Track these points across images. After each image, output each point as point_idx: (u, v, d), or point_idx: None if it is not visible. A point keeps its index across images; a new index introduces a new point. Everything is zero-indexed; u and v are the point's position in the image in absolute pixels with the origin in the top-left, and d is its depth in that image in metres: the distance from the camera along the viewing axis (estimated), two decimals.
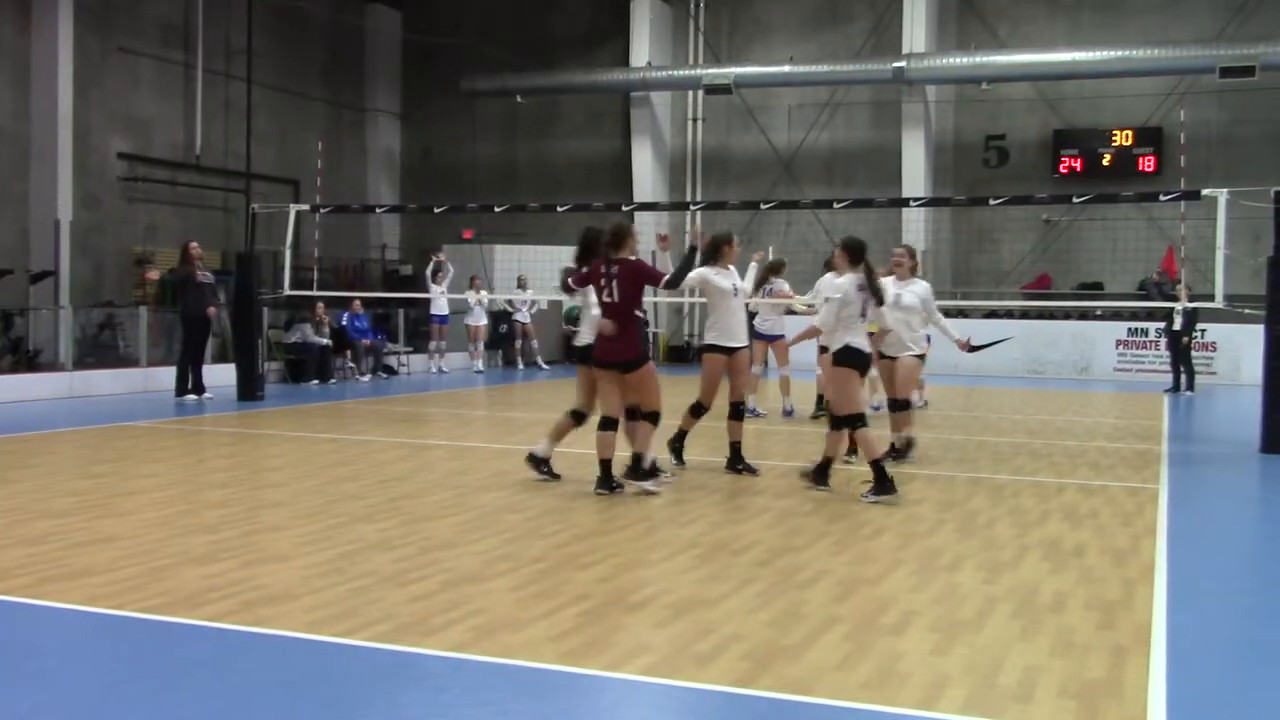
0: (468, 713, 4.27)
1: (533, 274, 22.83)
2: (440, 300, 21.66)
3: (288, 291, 17.23)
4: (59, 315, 17.81)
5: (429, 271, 22.19)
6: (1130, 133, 24.08)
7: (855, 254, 9.06)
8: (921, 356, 10.86)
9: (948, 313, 24.37)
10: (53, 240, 20.09)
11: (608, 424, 8.83)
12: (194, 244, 16.38)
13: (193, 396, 15.72)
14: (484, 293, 21.61)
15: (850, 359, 8.96)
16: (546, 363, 23.53)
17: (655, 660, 4.84)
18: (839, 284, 9.12)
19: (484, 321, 22.58)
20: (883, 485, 8.64)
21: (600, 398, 8.97)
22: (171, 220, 23.19)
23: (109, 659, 4.91)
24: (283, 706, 4.30)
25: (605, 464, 8.81)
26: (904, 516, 8.18)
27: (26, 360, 17.10)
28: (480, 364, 22.50)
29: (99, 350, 18.21)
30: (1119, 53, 23.05)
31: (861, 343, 9.01)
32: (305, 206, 18.69)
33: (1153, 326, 22.30)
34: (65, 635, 5.29)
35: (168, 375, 17.08)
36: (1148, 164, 23.85)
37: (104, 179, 21.80)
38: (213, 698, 4.36)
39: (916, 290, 10.62)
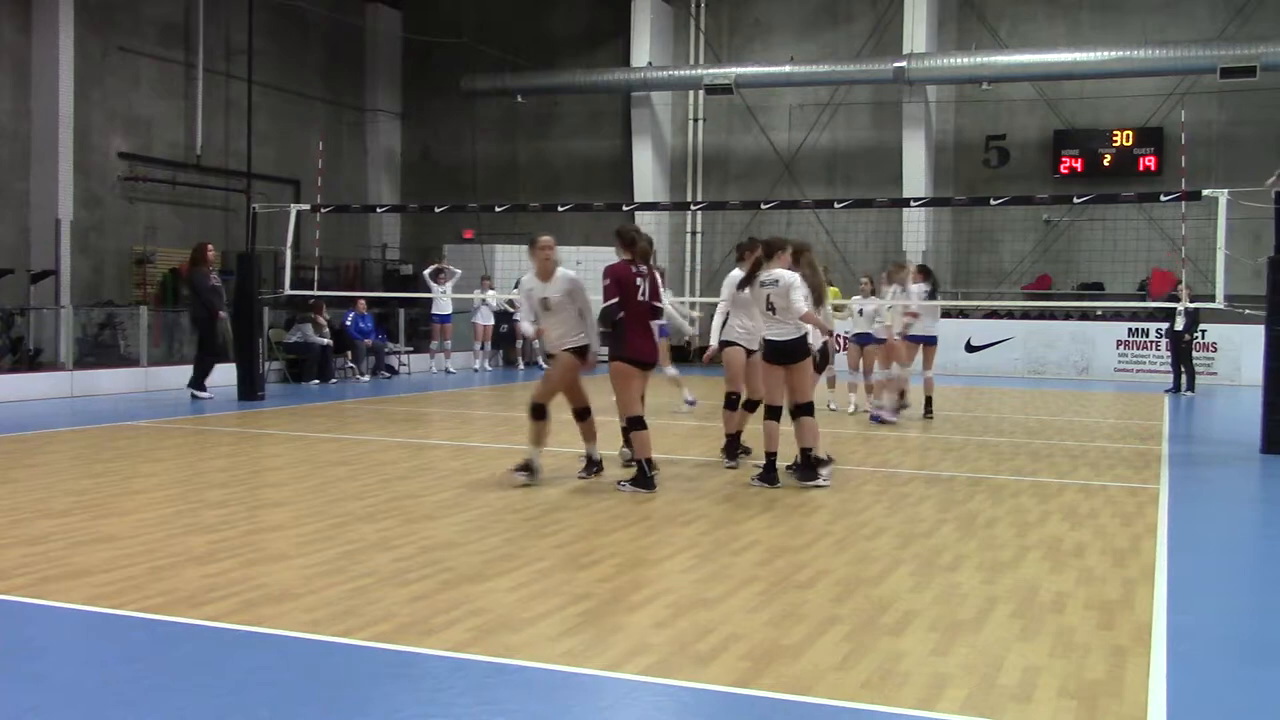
0: (468, 712, 4.27)
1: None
2: (442, 300, 21.65)
3: (288, 291, 17.24)
4: (59, 315, 17.82)
5: (427, 273, 22.19)
6: (1131, 133, 24.08)
7: (770, 249, 9.46)
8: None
9: (948, 313, 24.61)
10: (53, 240, 20.10)
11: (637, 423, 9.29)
12: (210, 246, 16.48)
13: (203, 394, 15.78)
14: (492, 293, 21.56)
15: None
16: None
17: (655, 660, 4.84)
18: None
19: (491, 321, 22.55)
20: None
21: (635, 395, 9.30)
22: (172, 220, 23.21)
23: (109, 658, 4.91)
24: (282, 706, 4.30)
25: (648, 462, 9.13)
26: (904, 517, 8.18)
27: (27, 359, 17.10)
28: (483, 363, 22.48)
29: (99, 350, 18.21)
30: (1119, 53, 23.05)
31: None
32: (306, 206, 18.69)
33: (1153, 327, 22.31)
34: (65, 635, 5.29)
35: (168, 374, 17.10)
36: (1148, 164, 23.84)
37: (104, 178, 21.81)
38: (213, 697, 4.36)
39: None
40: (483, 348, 22.54)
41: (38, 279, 19.27)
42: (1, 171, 19.92)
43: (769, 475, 9.32)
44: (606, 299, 9.09)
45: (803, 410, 9.27)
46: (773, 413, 9.34)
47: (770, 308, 9.21)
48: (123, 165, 22.14)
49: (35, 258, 19.99)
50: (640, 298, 9.08)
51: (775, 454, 9.36)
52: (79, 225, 20.70)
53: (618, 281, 9.05)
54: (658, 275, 9.54)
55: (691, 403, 15.07)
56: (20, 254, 19.89)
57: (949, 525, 7.86)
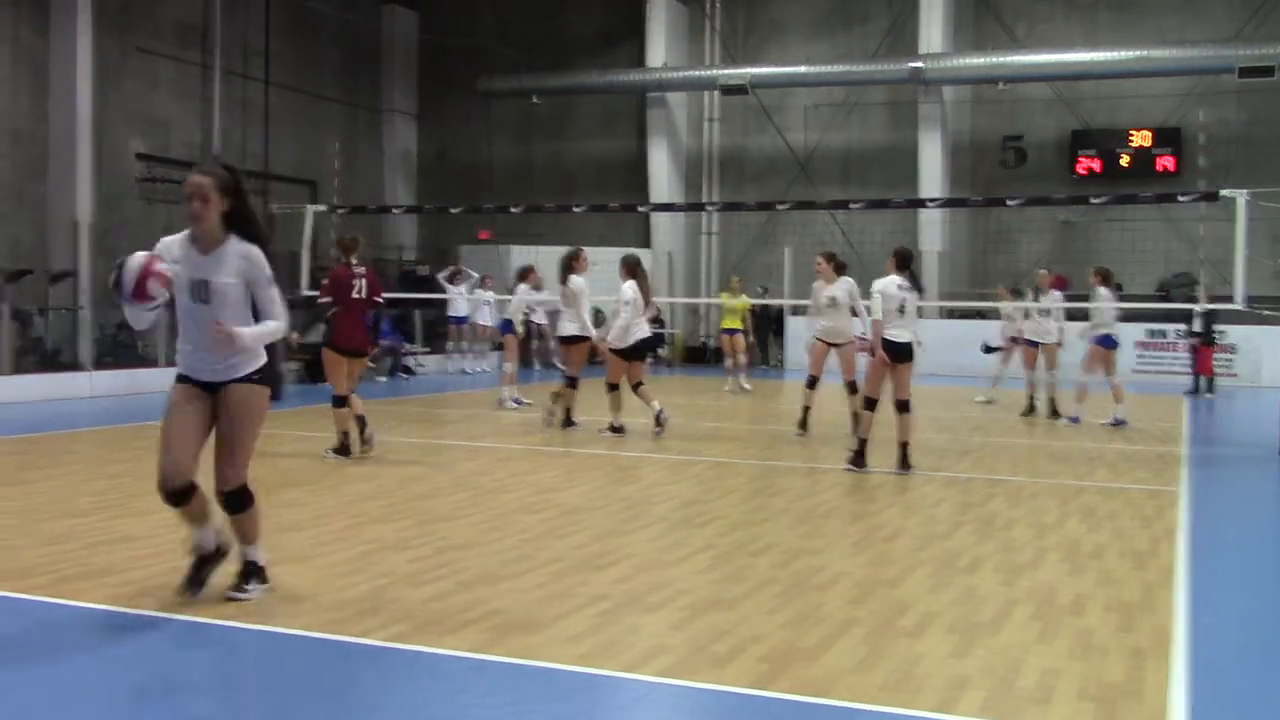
0: (485, 713, 4.27)
1: (549, 275, 22.80)
2: (459, 301, 21.69)
3: (305, 292, 17.29)
4: (78, 315, 17.89)
5: (443, 276, 22.23)
6: (1149, 133, 23.98)
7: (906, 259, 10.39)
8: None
9: (965, 314, 24.59)
10: (71, 241, 20.19)
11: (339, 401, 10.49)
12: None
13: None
14: (492, 292, 21.56)
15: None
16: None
17: (672, 661, 4.83)
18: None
19: (491, 321, 22.49)
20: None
21: (344, 379, 10.51)
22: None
23: (127, 658, 4.92)
24: (300, 706, 4.30)
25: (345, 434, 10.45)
26: (922, 518, 8.16)
27: (46, 360, 17.17)
28: (473, 365, 22.44)
29: (117, 350, 18.28)
30: (1137, 53, 22.97)
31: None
32: (322, 207, 18.77)
33: (1172, 328, 22.20)
34: (84, 634, 5.30)
35: None
36: (1166, 164, 23.75)
37: (122, 180, 21.89)
38: (231, 697, 4.37)
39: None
40: (492, 349, 22.54)
41: (56, 280, 19.36)
42: (20, 173, 20.02)
43: (859, 460, 10.15)
44: (322, 296, 10.57)
45: (904, 407, 10.09)
46: (870, 404, 10.16)
47: (901, 310, 10.02)
48: (140, 166, 22.23)
49: (54, 259, 20.08)
50: (356, 295, 10.36)
51: (866, 440, 10.17)
52: (97, 226, 20.77)
53: (335, 281, 10.48)
54: (375, 275, 10.97)
55: (519, 402, 16.01)
56: (39, 255, 19.98)
57: (967, 527, 7.84)
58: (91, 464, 10.44)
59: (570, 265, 13.07)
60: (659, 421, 12.35)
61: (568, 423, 13.10)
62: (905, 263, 10.33)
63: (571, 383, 13.18)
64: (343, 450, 10.42)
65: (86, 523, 7.41)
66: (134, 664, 4.83)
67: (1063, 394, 15.22)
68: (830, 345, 12.76)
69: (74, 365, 17.09)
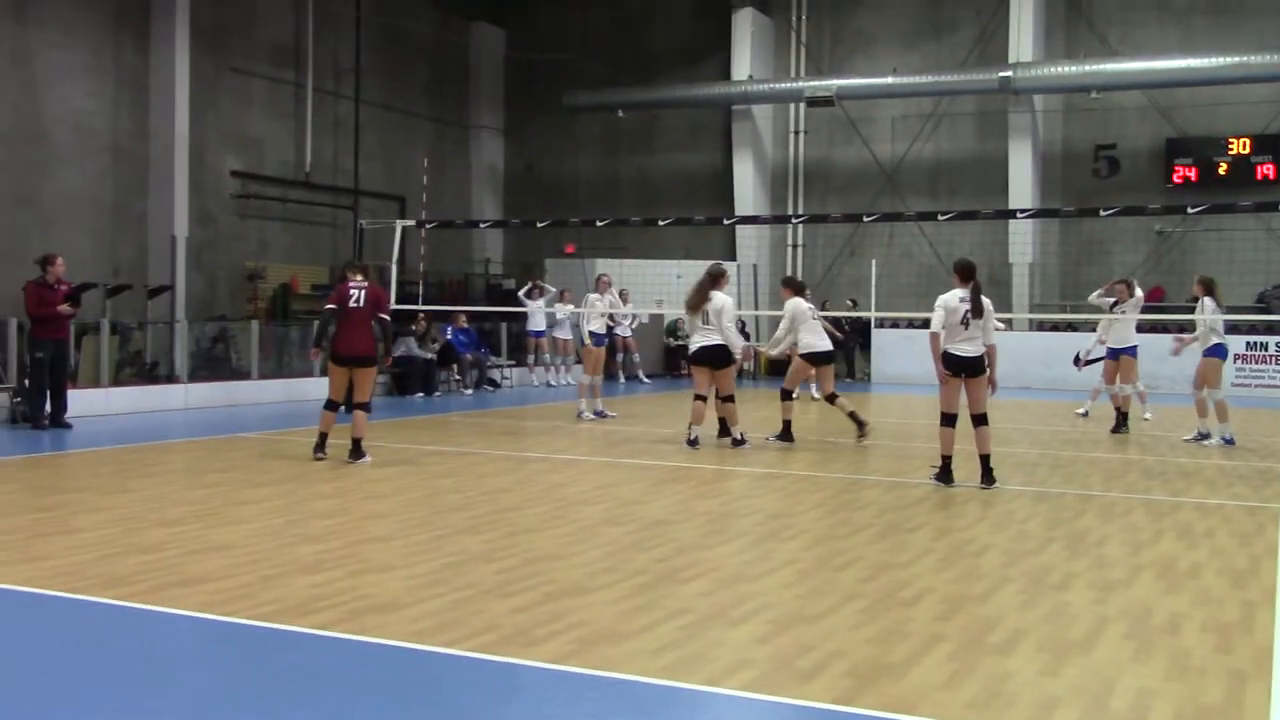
0: None
1: (634, 288, 22.87)
2: (537, 315, 21.84)
3: (393, 306, 17.53)
4: (175, 329, 18.33)
5: (522, 293, 22.43)
6: (1248, 140, 23.37)
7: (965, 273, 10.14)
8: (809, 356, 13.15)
9: (1056, 326, 24.16)
10: (169, 256, 20.71)
11: (332, 405, 11.30)
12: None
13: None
14: (570, 305, 21.62)
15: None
16: (648, 376, 23.54)
17: (756, 676, 4.80)
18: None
19: (569, 335, 22.53)
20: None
21: (340, 387, 11.31)
22: (282, 236, 23.77)
23: (220, 664, 5.02)
24: (387, 714, 4.35)
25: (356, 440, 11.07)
26: (1011, 534, 8.02)
27: (144, 373, 17.62)
28: (559, 377, 22.51)
29: (212, 363, 18.71)
30: (1235, 59, 22.39)
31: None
32: (411, 222, 19.02)
33: (1273, 340, 21.59)
34: (179, 641, 5.42)
35: (278, 387, 17.45)
36: (1266, 172, 23.13)
37: (218, 196, 22.42)
38: (319, 705, 4.43)
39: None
40: (562, 361, 22.58)
41: (155, 294, 19.87)
42: (121, 190, 20.59)
43: (945, 475, 10.08)
44: (326, 305, 11.41)
45: (981, 420, 9.99)
46: (948, 420, 10.06)
47: (965, 324, 9.88)
48: (235, 183, 22.75)
49: (153, 273, 20.62)
50: (353, 304, 11.01)
51: (950, 457, 10.11)
52: (194, 242, 21.30)
53: (336, 295, 11.22)
54: (380, 290, 11.70)
55: (599, 414, 15.84)
56: (139, 270, 20.53)
57: (1057, 543, 7.69)
58: (186, 474, 10.68)
59: (715, 282, 12.72)
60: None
61: (736, 441, 12.69)
62: (968, 276, 10.09)
63: (702, 398, 12.69)
64: (320, 447, 11.20)
65: (182, 531, 7.58)
66: (227, 671, 4.92)
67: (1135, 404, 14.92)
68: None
69: (170, 378, 17.51)
